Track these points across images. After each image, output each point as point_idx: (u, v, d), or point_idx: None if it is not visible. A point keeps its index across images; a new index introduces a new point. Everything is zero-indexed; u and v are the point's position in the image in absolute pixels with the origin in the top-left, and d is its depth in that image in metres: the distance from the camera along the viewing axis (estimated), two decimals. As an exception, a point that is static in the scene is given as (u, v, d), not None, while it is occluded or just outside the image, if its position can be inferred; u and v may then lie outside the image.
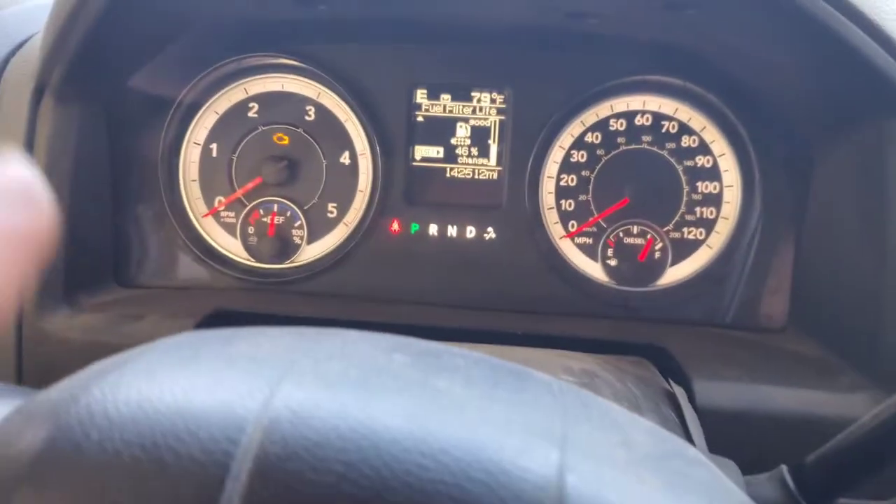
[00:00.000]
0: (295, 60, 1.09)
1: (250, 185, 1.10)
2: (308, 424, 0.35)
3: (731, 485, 0.41)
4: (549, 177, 1.09)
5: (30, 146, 0.93)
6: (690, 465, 0.39)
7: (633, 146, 1.08)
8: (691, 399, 0.82)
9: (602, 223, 1.09)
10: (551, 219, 1.09)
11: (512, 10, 0.91)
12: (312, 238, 1.11)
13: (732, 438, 0.82)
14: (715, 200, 1.08)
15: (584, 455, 0.38)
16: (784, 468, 0.67)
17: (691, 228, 1.09)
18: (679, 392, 0.79)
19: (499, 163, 1.10)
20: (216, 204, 1.11)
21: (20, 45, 0.97)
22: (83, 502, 0.33)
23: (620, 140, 1.08)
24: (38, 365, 0.92)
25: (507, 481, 0.35)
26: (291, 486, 0.33)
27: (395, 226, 1.11)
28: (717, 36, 0.92)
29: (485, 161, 1.10)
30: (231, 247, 1.11)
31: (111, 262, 1.05)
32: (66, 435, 0.35)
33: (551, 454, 0.37)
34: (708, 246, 1.08)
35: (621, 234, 1.08)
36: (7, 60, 0.96)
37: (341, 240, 1.11)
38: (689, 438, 0.70)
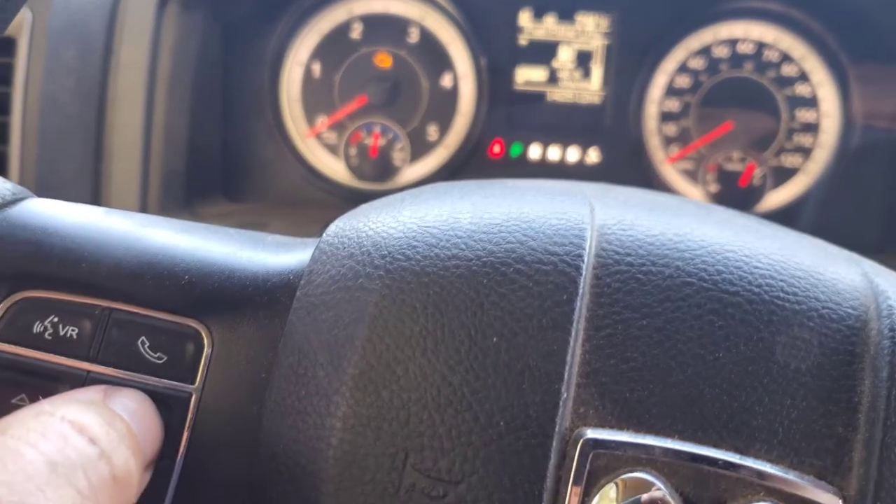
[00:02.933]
0: (400, -19, 1.09)
1: (355, 105, 1.10)
2: (637, 230, 0.37)
3: None
4: (652, 101, 1.10)
5: (154, 54, 0.93)
6: None
7: (735, 73, 1.09)
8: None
9: (703, 149, 1.10)
10: (654, 143, 1.11)
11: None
12: (414, 160, 1.12)
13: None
14: (813, 129, 1.10)
15: (874, 268, 0.40)
16: None
17: (789, 156, 1.10)
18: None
19: (602, 87, 1.11)
20: (318, 124, 1.12)
21: (142, -47, 0.97)
22: (450, 292, 0.34)
23: (723, 67, 1.09)
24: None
25: (826, 280, 0.37)
26: (635, 276, 0.35)
27: (497, 149, 1.12)
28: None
29: (587, 85, 1.11)
30: (334, 167, 1.12)
31: (221, 176, 1.06)
32: (411, 235, 0.37)
33: (852, 265, 0.39)
34: (805, 173, 1.10)
35: (722, 160, 1.10)
36: (128, -32, 0.96)
37: (442, 162, 1.12)
38: None
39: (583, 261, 0.35)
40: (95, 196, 0.92)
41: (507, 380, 0.32)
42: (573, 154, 1.11)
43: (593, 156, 1.11)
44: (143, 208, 0.92)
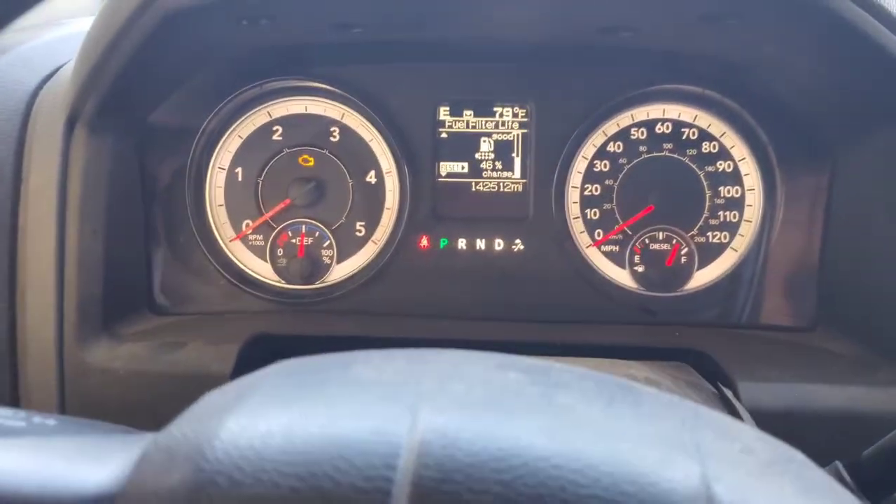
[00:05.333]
0: (317, 82, 1.10)
1: (279, 207, 1.10)
2: (457, 447, 0.36)
3: (837, 484, 0.43)
4: (573, 187, 1.11)
5: (64, 177, 0.93)
6: (805, 468, 0.40)
7: (654, 154, 1.10)
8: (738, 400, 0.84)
9: (628, 230, 1.10)
10: (578, 228, 1.11)
11: (546, 28, 0.92)
12: (342, 257, 1.12)
13: (780, 438, 0.84)
14: (737, 204, 1.10)
15: (720, 464, 0.39)
16: (839, 464, 0.69)
17: (715, 232, 1.10)
18: (730, 395, 0.81)
19: (523, 175, 1.11)
20: (244, 228, 1.12)
21: (48, 77, 0.97)
22: None
23: (642, 149, 1.10)
24: (81, 396, 0.92)
25: (658, 493, 0.36)
26: None
27: (424, 242, 1.12)
28: (746, 44, 0.94)
29: (509, 174, 1.11)
30: (261, 270, 1.12)
31: (145, 291, 1.05)
32: (217, 469, 0.36)
33: (692, 466, 0.38)
34: (732, 249, 1.10)
35: (647, 241, 1.10)
36: (36, 93, 0.96)
37: (371, 258, 1.12)
38: None
39: (391, 497, 0.34)
40: (11, 328, 0.91)
41: None
42: (500, 243, 1.11)
43: (519, 243, 1.11)
44: (60, 336, 0.92)
